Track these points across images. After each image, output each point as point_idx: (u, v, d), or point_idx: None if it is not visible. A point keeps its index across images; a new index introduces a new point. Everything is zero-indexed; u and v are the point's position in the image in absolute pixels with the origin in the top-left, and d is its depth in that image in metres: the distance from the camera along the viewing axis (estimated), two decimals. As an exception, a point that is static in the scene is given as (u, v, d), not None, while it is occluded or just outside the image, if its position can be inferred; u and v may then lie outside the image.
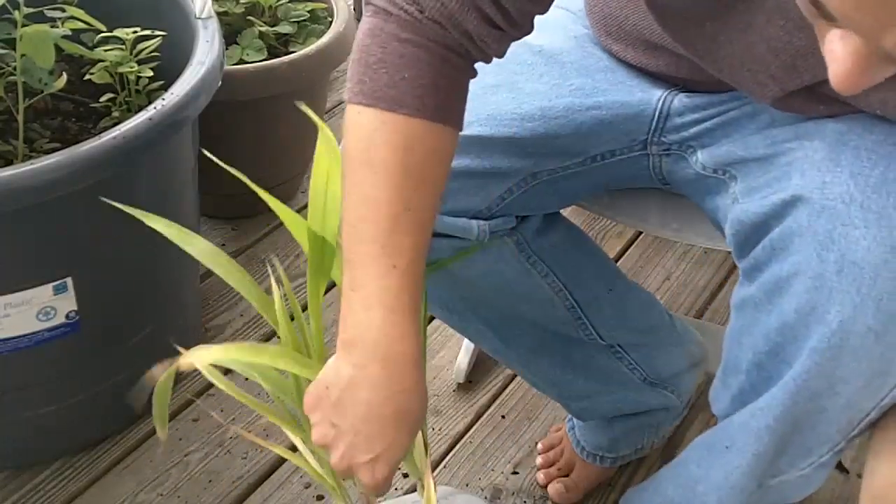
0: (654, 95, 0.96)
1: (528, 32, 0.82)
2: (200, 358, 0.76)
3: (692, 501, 0.96)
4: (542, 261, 1.04)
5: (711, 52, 0.86)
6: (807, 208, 0.78)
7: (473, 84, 0.81)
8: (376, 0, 0.77)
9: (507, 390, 1.44)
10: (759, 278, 0.83)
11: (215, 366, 0.82)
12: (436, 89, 0.76)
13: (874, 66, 0.56)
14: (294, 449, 0.91)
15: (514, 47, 0.82)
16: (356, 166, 0.76)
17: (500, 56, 0.82)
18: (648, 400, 1.20)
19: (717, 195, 0.93)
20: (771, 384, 0.84)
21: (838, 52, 0.56)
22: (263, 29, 1.57)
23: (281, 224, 1.51)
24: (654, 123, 0.96)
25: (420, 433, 0.92)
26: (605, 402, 1.19)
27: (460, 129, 0.80)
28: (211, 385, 1.41)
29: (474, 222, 0.95)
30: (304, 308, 0.87)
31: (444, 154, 0.79)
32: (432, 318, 1.35)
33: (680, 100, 0.95)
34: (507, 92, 0.96)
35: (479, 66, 0.81)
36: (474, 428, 1.38)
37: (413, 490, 1.29)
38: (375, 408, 0.76)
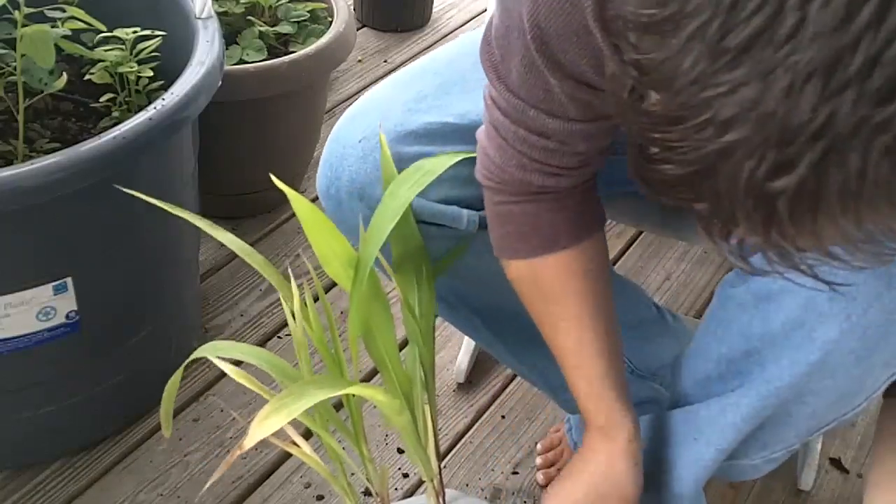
0: None
1: (598, 165, 0.88)
2: (262, 430, 0.73)
3: (658, 486, 0.98)
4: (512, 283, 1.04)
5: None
6: None
7: (475, 75, 0.85)
8: (481, 178, 0.89)
9: (507, 390, 1.44)
10: (750, 282, 0.85)
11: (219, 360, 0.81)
12: (536, 229, 0.89)
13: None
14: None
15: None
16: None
17: (585, 182, 0.89)
18: (636, 392, 1.19)
19: None
20: (738, 379, 0.87)
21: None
22: (263, 29, 1.57)
23: (281, 224, 1.52)
24: None
25: (431, 435, 0.92)
26: None
27: (578, 243, 0.91)
28: (211, 385, 1.42)
29: (465, 212, 0.95)
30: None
31: (566, 269, 0.91)
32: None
33: None
34: None
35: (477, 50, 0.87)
36: (474, 428, 1.39)
37: (413, 492, 1.29)
38: None
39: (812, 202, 0.49)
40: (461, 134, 0.94)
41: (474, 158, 0.94)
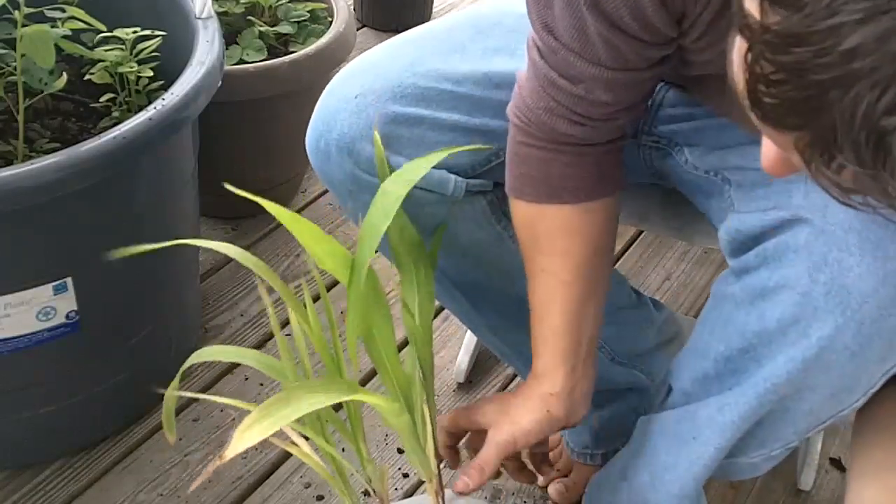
0: None
1: (624, 123, 0.89)
2: (245, 440, 0.69)
3: (658, 488, 0.98)
4: (513, 225, 1.04)
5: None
6: (806, 228, 0.80)
7: (476, 45, 0.90)
8: (511, 116, 0.91)
9: (508, 390, 1.44)
10: (745, 279, 0.86)
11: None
12: (546, 178, 0.90)
13: (790, 165, 0.60)
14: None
15: (521, 18, 0.85)
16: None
17: (615, 139, 0.91)
18: (615, 378, 1.19)
19: (711, 196, 0.95)
20: (736, 377, 0.87)
21: (765, 143, 0.62)
22: (263, 29, 1.57)
23: (281, 224, 1.51)
24: (645, 111, 0.99)
25: (430, 435, 0.92)
26: None
27: (581, 202, 0.92)
28: (211, 385, 1.42)
29: (452, 177, 0.96)
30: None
31: (554, 224, 0.93)
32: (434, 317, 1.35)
33: (674, 92, 0.97)
34: (507, 56, 0.97)
35: (484, 30, 0.91)
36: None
37: (413, 492, 1.29)
38: None
39: None
40: (456, 100, 0.96)
41: (466, 127, 0.95)
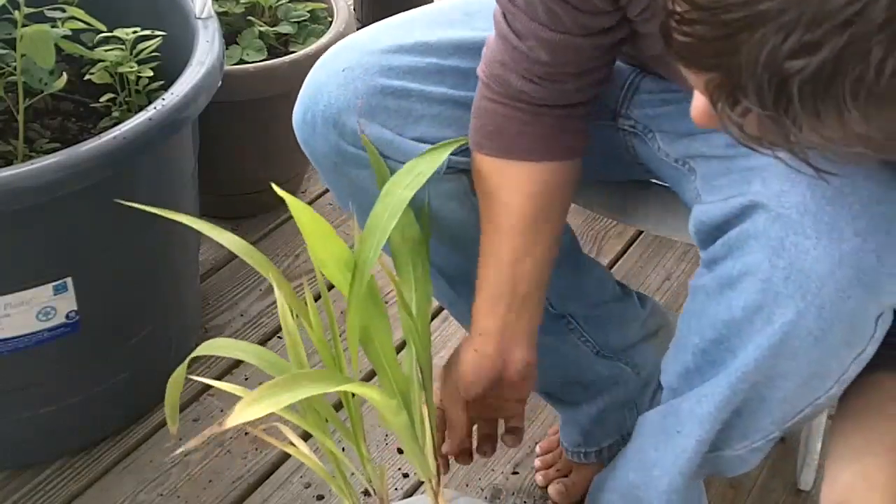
0: (628, 68, 1.02)
1: (573, 87, 0.91)
2: (245, 414, 0.71)
3: (648, 484, 0.98)
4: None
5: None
6: (764, 214, 0.81)
7: (464, 24, 0.93)
8: (479, 72, 0.93)
9: (507, 390, 1.44)
10: (714, 270, 0.86)
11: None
12: (501, 132, 0.93)
13: (714, 116, 0.62)
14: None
15: None
16: None
17: (572, 104, 0.93)
18: (600, 371, 1.19)
19: (681, 185, 0.97)
20: (714, 368, 0.87)
21: (696, 95, 0.65)
22: (263, 29, 1.57)
23: (281, 224, 1.52)
24: (623, 93, 1.01)
25: (428, 434, 0.92)
26: (553, 369, 1.17)
27: (535, 161, 0.94)
28: (211, 385, 1.41)
29: None
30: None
31: (508, 183, 0.95)
32: (433, 318, 1.35)
33: (652, 77, 1.00)
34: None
35: (473, 12, 0.95)
36: (474, 428, 1.38)
37: (413, 492, 1.29)
38: None
39: (825, 87, 0.51)
40: (443, 74, 0.97)
41: (453, 99, 0.97)
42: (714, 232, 0.86)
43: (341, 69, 0.97)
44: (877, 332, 0.82)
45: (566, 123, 0.94)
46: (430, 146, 0.95)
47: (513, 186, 0.95)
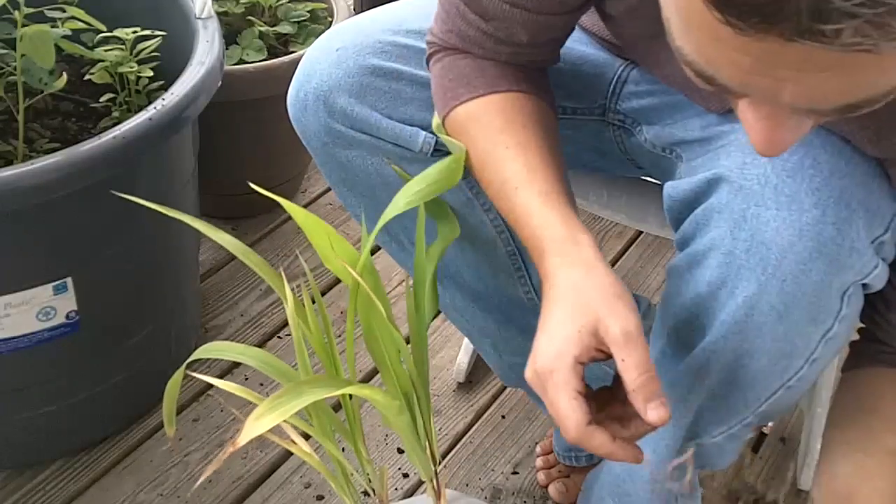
0: (617, 61, 1.01)
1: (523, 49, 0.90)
2: (255, 429, 0.73)
3: (633, 476, 0.99)
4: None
5: (659, 66, 0.92)
6: (727, 187, 0.80)
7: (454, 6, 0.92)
8: (427, 43, 0.94)
9: (508, 390, 1.44)
10: (684, 250, 0.85)
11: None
12: (481, 72, 0.91)
13: (789, 123, 0.60)
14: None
15: None
16: None
17: (526, 68, 0.92)
18: (593, 371, 1.18)
19: (670, 176, 0.96)
20: (687, 349, 0.86)
21: (751, 121, 0.61)
22: (263, 29, 1.57)
23: (281, 224, 1.52)
24: (612, 87, 1.01)
25: (427, 436, 0.92)
26: None
27: (522, 90, 0.91)
28: (211, 385, 1.41)
29: (422, 133, 0.95)
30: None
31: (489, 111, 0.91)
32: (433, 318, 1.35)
33: (639, 70, 1.00)
34: None
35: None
36: (474, 428, 1.38)
37: (413, 492, 1.29)
38: None
39: None
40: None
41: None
42: (684, 210, 0.86)
43: (335, 48, 0.97)
44: (843, 309, 0.80)
45: (534, 76, 0.93)
46: (416, 127, 0.95)
47: (515, 111, 0.90)
